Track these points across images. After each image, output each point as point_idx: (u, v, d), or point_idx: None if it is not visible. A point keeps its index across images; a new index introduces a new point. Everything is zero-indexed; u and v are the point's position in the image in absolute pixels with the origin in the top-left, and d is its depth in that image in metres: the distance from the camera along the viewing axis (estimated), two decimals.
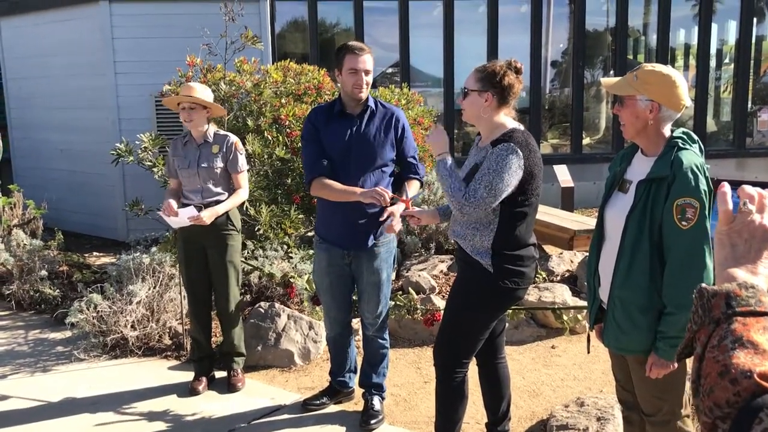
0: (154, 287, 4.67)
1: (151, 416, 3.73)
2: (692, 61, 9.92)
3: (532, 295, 4.70)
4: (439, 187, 6.27)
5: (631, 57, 9.88)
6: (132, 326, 4.50)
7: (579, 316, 4.61)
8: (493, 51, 8.98)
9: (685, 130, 2.38)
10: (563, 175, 8.07)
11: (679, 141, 2.29)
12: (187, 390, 3.98)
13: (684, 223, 2.20)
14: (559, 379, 4.11)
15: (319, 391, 3.84)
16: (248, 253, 5.02)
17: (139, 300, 4.55)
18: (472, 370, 3.03)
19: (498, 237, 2.74)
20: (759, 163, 9.86)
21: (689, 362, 2.36)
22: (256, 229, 5.03)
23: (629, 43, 9.81)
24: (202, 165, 3.83)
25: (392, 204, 3.16)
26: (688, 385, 2.63)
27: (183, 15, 7.11)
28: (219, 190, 3.89)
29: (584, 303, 4.69)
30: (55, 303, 5.32)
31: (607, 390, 3.84)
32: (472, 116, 2.79)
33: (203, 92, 3.82)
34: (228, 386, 4.01)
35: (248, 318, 4.46)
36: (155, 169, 5.21)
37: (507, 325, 3.84)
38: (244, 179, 3.97)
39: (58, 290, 5.42)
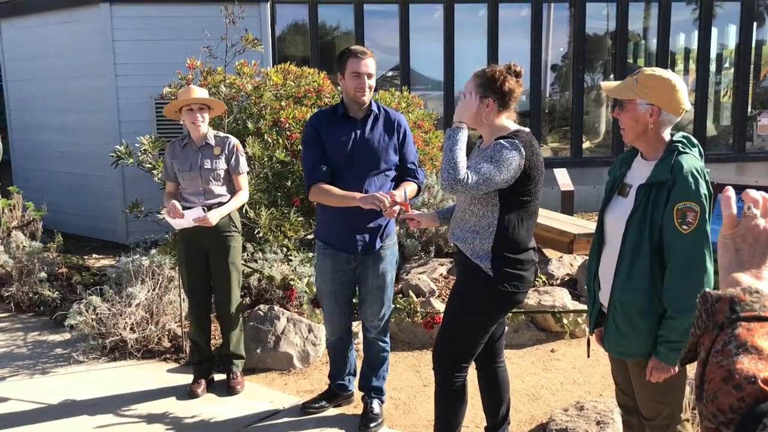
0: (154, 289, 4.66)
1: (150, 419, 3.72)
2: (692, 66, 9.93)
3: (531, 299, 4.69)
4: (439, 191, 6.27)
5: (631, 61, 9.89)
6: (131, 329, 4.49)
7: (579, 320, 4.60)
8: (493, 54, 8.99)
9: (685, 134, 2.38)
10: (563, 178, 8.07)
11: (679, 145, 2.29)
12: (186, 393, 3.97)
13: (684, 227, 2.20)
14: (558, 382, 4.10)
15: (318, 394, 3.84)
16: (248, 255, 5.01)
17: (138, 302, 4.54)
18: (472, 374, 3.03)
19: (498, 240, 2.73)
20: (759, 168, 9.86)
21: (689, 366, 2.36)
22: (255, 231, 5.02)
23: (629, 47, 9.83)
24: (205, 167, 3.84)
25: (392, 207, 3.15)
26: (688, 389, 2.63)
27: (183, 17, 7.12)
28: (221, 191, 3.90)
29: (584, 307, 4.69)
30: (54, 305, 5.32)
31: (607, 394, 3.84)
32: (474, 120, 2.79)
33: (205, 94, 3.86)
34: (227, 389, 4.01)
35: (247, 321, 4.45)
36: (155, 172, 5.21)
37: (506, 328, 3.84)
38: (244, 181, 3.99)
39: (57, 292, 5.41)
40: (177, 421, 3.70)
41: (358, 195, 3.21)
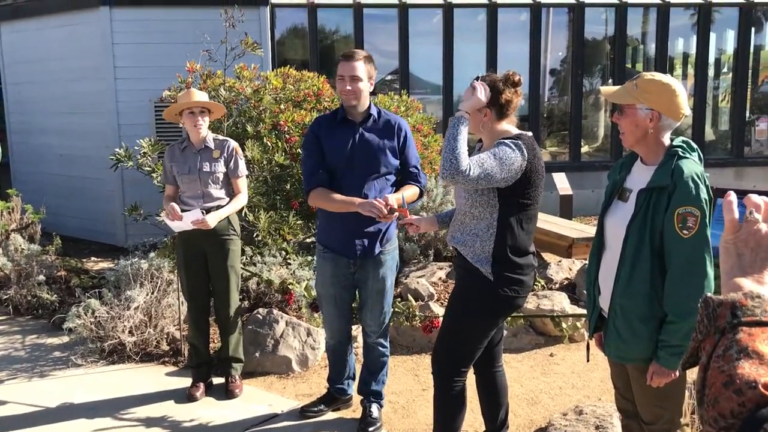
0: (152, 293, 4.66)
1: (149, 422, 3.71)
2: (690, 70, 9.95)
3: (530, 303, 4.69)
4: (438, 194, 6.27)
5: (629, 66, 9.91)
6: (130, 332, 4.48)
7: (578, 324, 4.60)
8: (492, 59, 9.00)
9: (685, 138, 2.39)
10: (562, 182, 8.08)
11: (679, 150, 2.30)
12: (185, 396, 3.97)
13: (685, 231, 2.21)
14: (557, 387, 4.10)
15: (317, 398, 3.83)
16: (247, 259, 5.01)
17: (137, 305, 4.54)
18: (470, 379, 3.02)
19: (498, 245, 2.74)
20: (757, 172, 9.88)
21: (689, 371, 2.37)
22: (254, 235, 5.02)
23: (628, 52, 9.84)
24: (204, 170, 3.84)
25: (390, 213, 3.13)
26: (687, 393, 2.63)
27: (183, 21, 7.12)
28: (220, 194, 3.90)
29: (583, 311, 4.69)
30: (52, 308, 5.31)
31: (606, 398, 3.84)
32: (473, 128, 2.79)
33: (205, 97, 3.87)
34: (226, 392, 4.00)
35: (246, 324, 4.45)
36: (154, 175, 5.21)
37: (505, 333, 3.83)
38: (243, 184, 3.99)
39: (55, 295, 5.41)
40: (175, 424, 3.69)
41: (357, 200, 3.20)
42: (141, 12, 7.24)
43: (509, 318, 4.17)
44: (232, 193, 3.96)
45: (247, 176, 4.16)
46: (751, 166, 9.95)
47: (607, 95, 2.44)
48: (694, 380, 0.97)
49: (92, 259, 6.98)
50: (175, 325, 4.65)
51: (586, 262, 5.51)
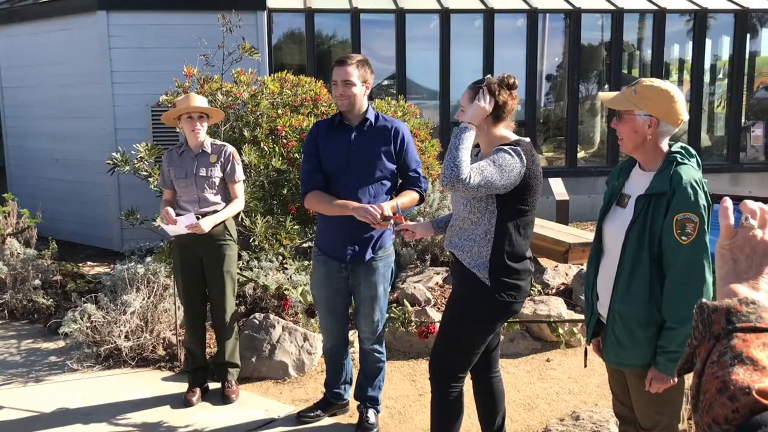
0: (149, 297, 4.65)
1: (145, 427, 3.70)
2: (686, 76, 9.99)
3: (527, 308, 4.70)
4: (435, 199, 6.28)
5: (625, 71, 9.94)
6: (126, 337, 4.47)
7: (574, 329, 4.61)
8: (488, 64, 9.03)
9: (683, 144, 2.39)
10: (558, 188, 8.09)
11: (678, 156, 2.31)
12: (181, 401, 3.96)
13: (684, 238, 2.21)
14: (554, 392, 4.10)
15: (314, 403, 3.83)
16: (243, 263, 5.00)
17: (133, 310, 4.53)
18: (467, 384, 3.02)
19: (495, 250, 2.74)
20: (753, 178, 9.91)
21: (687, 377, 2.37)
22: (251, 239, 5.02)
23: (624, 58, 9.88)
24: (200, 174, 3.84)
25: (385, 220, 3.13)
26: (685, 399, 2.64)
27: (180, 26, 7.13)
28: (216, 199, 3.90)
29: (579, 316, 4.69)
30: (48, 313, 5.30)
31: (603, 404, 3.84)
32: None
33: (204, 102, 3.87)
34: (222, 398, 3.99)
35: (242, 329, 4.44)
36: (151, 179, 5.20)
37: (502, 338, 3.83)
38: (240, 189, 3.99)
39: (51, 300, 5.39)
40: (171, 429, 3.68)
41: (352, 204, 3.20)
42: (138, 16, 7.24)
43: (506, 323, 4.16)
44: (228, 198, 3.96)
45: (244, 181, 4.16)
46: (747, 172, 9.98)
47: (605, 101, 2.45)
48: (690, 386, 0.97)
49: (88, 263, 6.97)
50: (171, 330, 4.64)
51: (583, 267, 5.53)
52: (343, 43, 9.14)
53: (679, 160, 2.29)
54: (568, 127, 9.52)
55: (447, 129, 9.05)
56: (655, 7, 9.37)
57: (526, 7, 9.11)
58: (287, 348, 4.35)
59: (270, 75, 6.16)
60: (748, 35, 9.76)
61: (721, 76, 10.27)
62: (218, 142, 4.00)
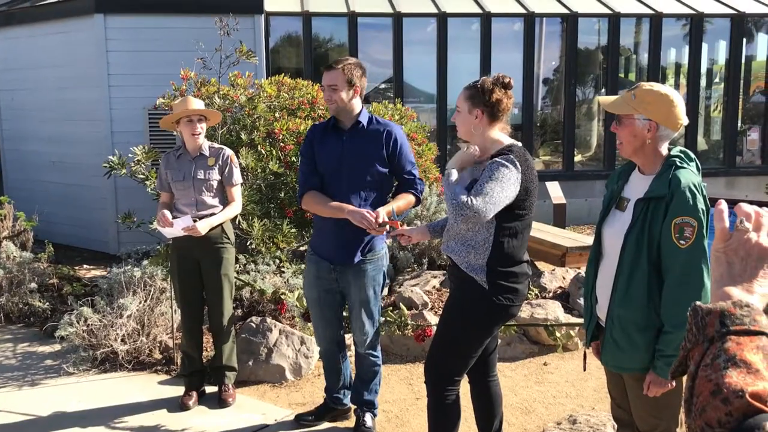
0: (145, 301, 4.64)
1: (141, 431, 3.69)
2: (683, 80, 10.01)
3: (524, 312, 4.69)
4: (432, 203, 6.28)
5: (622, 75, 9.96)
6: (122, 340, 4.46)
7: (571, 333, 4.61)
8: (485, 68, 9.04)
9: (683, 148, 2.40)
10: (555, 191, 8.10)
11: (677, 159, 2.31)
12: (178, 405, 3.95)
13: (682, 242, 2.21)
14: (551, 396, 4.10)
15: (314, 407, 3.81)
16: (240, 267, 5.00)
17: (129, 314, 4.52)
18: (464, 387, 3.02)
19: (493, 253, 2.74)
20: (749, 182, 9.93)
21: (685, 380, 2.37)
22: (248, 243, 5.01)
23: (621, 62, 9.90)
24: (198, 177, 3.84)
25: (380, 226, 3.12)
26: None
27: (178, 29, 7.13)
28: (214, 202, 3.90)
29: (577, 320, 4.70)
30: (44, 316, 5.28)
31: (600, 407, 3.84)
32: (465, 133, 2.81)
33: (202, 105, 3.89)
34: (218, 401, 3.98)
35: (239, 333, 4.43)
36: (148, 182, 5.20)
37: (499, 342, 3.84)
38: (238, 192, 3.99)
39: (47, 303, 5.38)
40: None
41: (348, 207, 3.20)
42: (135, 20, 7.24)
43: (503, 326, 4.16)
44: (226, 202, 3.96)
45: (241, 185, 4.16)
46: (743, 176, 10.00)
47: (605, 105, 2.45)
48: None
49: (85, 266, 6.95)
50: (167, 334, 4.63)
51: (580, 271, 5.53)
52: (341, 47, 9.15)
53: (678, 164, 2.29)
54: (565, 130, 9.53)
55: (444, 132, 9.07)
56: (651, 12, 9.40)
57: (523, 11, 9.13)
58: (284, 352, 4.35)
59: (267, 78, 6.17)
60: (744, 40, 9.79)
61: (717, 80, 10.30)
62: (216, 145, 4.00)
